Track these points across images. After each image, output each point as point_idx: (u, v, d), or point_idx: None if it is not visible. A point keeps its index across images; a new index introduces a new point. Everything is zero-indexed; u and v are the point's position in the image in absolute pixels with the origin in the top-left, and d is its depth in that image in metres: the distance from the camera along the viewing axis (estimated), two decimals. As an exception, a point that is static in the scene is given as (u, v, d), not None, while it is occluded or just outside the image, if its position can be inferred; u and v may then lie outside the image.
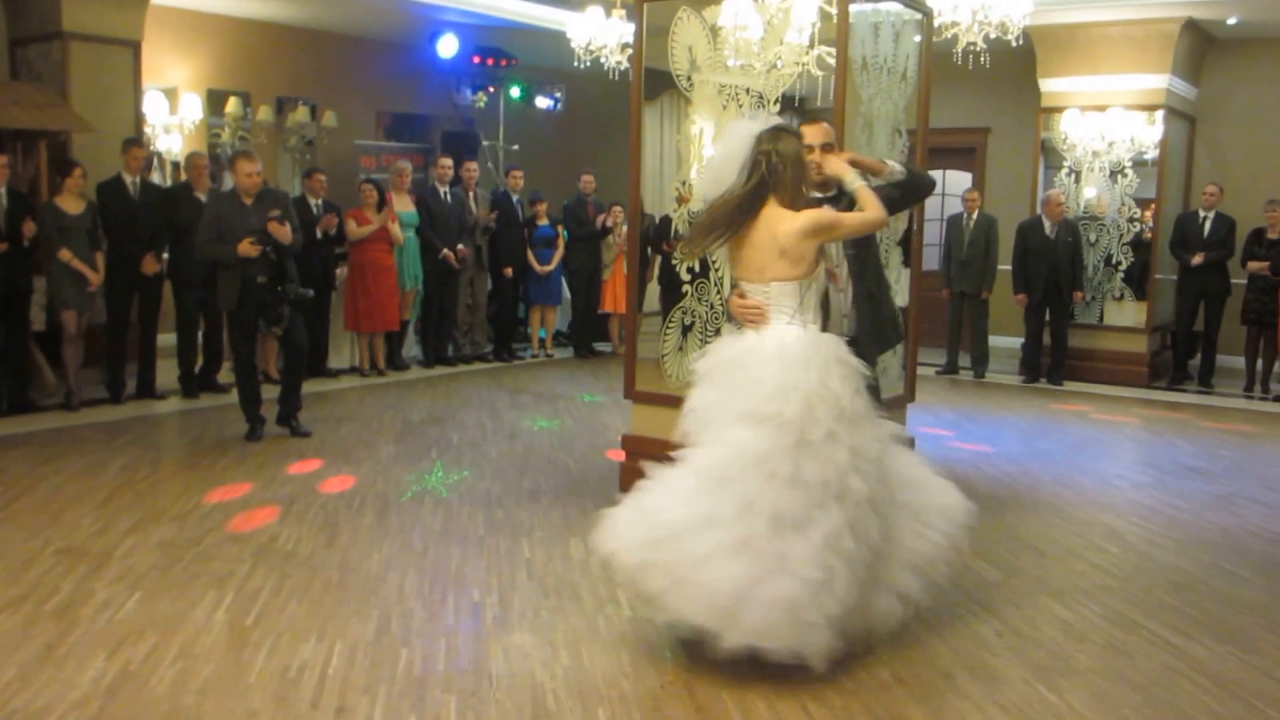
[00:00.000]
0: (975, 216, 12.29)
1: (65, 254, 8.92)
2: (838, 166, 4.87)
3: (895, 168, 5.11)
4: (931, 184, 5.50)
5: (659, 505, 4.37)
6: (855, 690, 4.27)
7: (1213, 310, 11.90)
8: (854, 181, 4.77)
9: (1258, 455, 8.88)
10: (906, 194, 5.24)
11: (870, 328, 5.13)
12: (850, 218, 4.66)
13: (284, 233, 7.94)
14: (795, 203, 4.54)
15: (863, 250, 5.12)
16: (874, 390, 4.80)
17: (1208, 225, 11.79)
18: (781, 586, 4.11)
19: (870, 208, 4.65)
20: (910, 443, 5.23)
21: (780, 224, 4.49)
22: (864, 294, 5.11)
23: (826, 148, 4.95)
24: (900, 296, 7.08)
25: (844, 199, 4.88)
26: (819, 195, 4.92)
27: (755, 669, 4.37)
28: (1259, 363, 11.54)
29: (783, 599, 4.10)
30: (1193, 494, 7.51)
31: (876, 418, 4.53)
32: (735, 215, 4.55)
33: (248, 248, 7.81)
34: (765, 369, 4.39)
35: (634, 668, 4.43)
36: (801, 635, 4.15)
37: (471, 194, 12.08)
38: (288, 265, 8.10)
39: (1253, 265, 11.31)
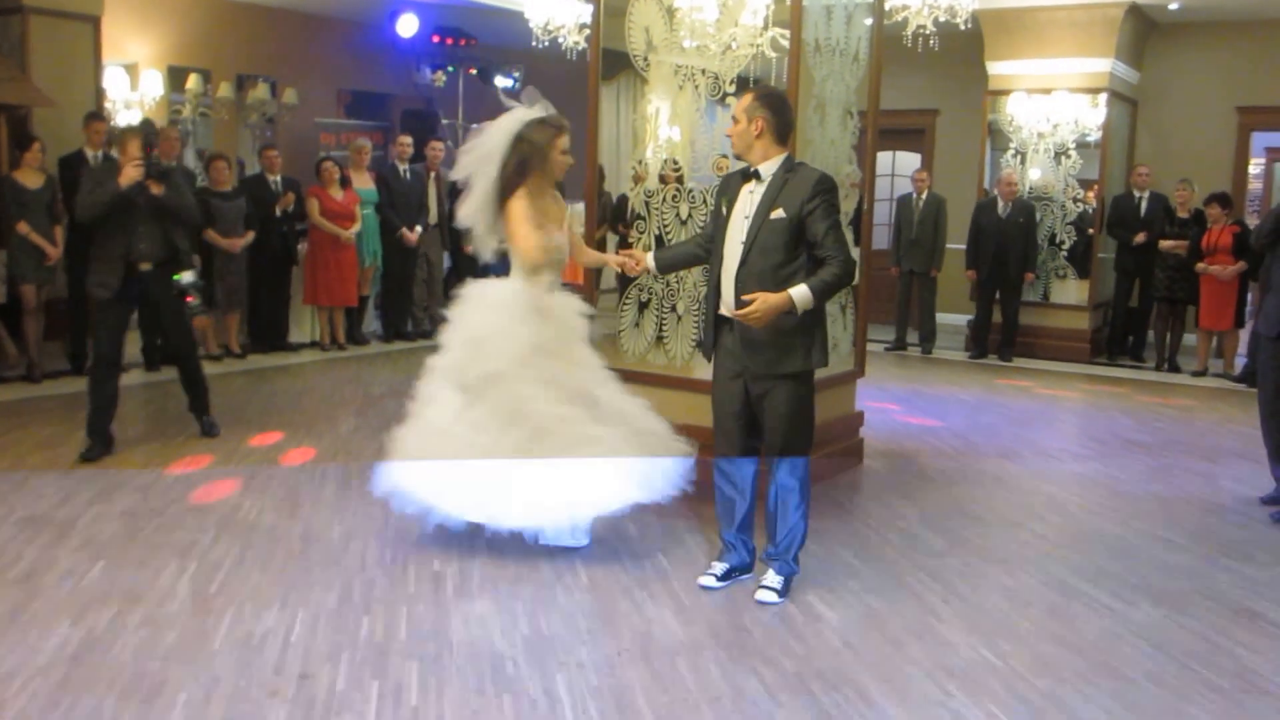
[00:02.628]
0: (925, 196, 12.45)
1: (23, 227, 8.89)
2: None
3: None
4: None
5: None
6: (807, 655, 4.39)
7: (1146, 288, 12.14)
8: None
9: (1193, 428, 9.11)
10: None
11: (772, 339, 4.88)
12: (519, 230, 5.40)
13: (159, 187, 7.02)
14: (513, 186, 5.37)
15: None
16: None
17: (1144, 205, 12.03)
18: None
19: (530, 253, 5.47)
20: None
21: (510, 203, 5.37)
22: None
23: (733, 121, 4.86)
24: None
25: (772, 182, 4.83)
26: (747, 166, 4.90)
27: (711, 636, 4.51)
28: (1170, 338, 11.83)
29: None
30: (1131, 465, 7.70)
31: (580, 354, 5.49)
32: (493, 194, 5.42)
33: (131, 171, 6.81)
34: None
35: (591, 635, 4.53)
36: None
37: (434, 174, 12.08)
38: (180, 249, 7.22)
39: (1165, 244, 11.56)
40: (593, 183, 7.28)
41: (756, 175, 4.88)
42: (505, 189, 5.39)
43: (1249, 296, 11.14)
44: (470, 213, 5.53)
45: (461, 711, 3.85)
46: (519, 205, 5.36)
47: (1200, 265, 11.11)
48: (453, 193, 12.26)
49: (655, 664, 4.27)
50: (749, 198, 4.88)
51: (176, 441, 7.49)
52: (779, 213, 4.77)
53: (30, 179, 8.98)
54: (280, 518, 5.94)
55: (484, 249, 5.69)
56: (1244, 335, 11.30)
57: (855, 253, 7.18)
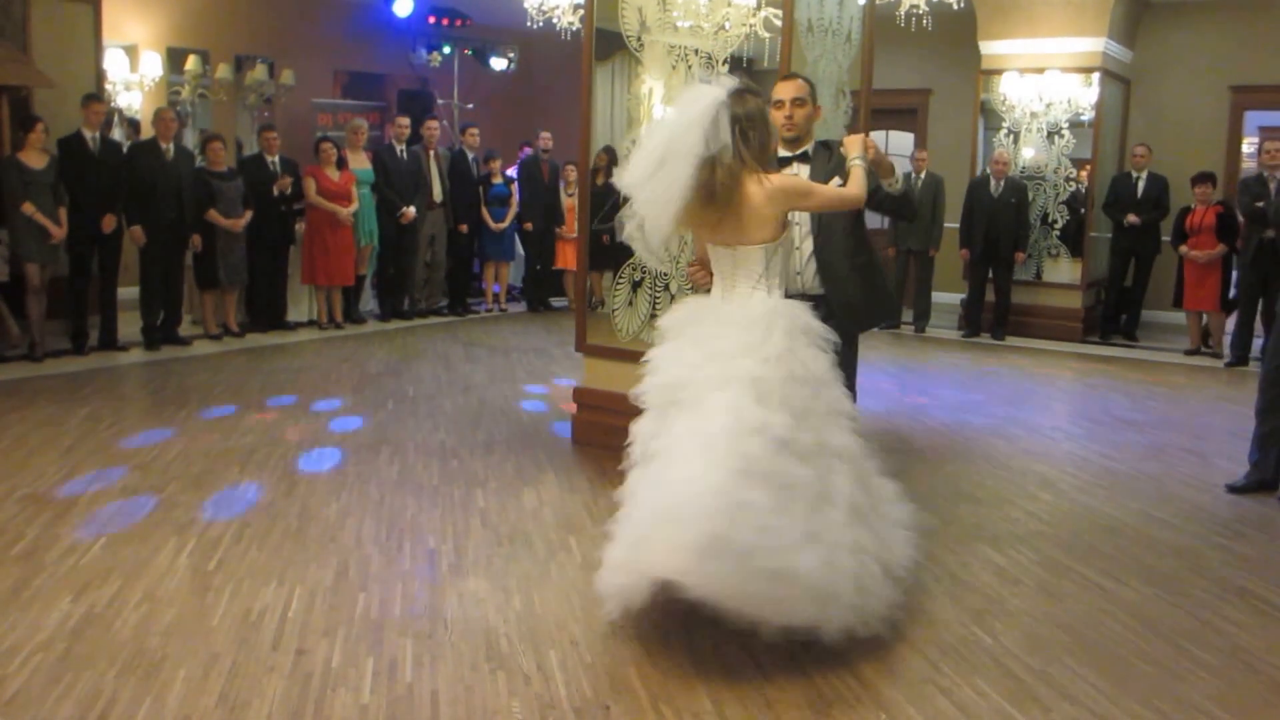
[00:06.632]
0: (923, 176, 12.48)
1: (28, 207, 8.99)
2: (854, 143, 4.68)
3: (899, 178, 4.94)
4: (913, 211, 5.41)
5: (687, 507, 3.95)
6: (798, 631, 4.42)
7: (1142, 268, 12.17)
8: (857, 159, 4.60)
9: (1186, 407, 9.14)
10: (897, 207, 5.06)
11: (865, 298, 5.05)
12: (826, 191, 4.50)
13: None
14: (764, 164, 4.34)
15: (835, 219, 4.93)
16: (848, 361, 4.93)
17: (1141, 185, 12.05)
18: (810, 559, 3.97)
19: (856, 187, 4.49)
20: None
21: (749, 187, 4.26)
22: (861, 264, 5.01)
23: (798, 103, 4.92)
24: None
25: (818, 162, 4.94)
26: (786, 154, 4.96)
27: (703, 612, 4.50)
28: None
29: (814, 569, 3.96)
30: (1123, 444, 7.72)
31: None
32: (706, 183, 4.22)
33: None
34: (726, 331, 4.27)
35: (584, 612, 4.55)
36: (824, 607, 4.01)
37: (431, 153, 12.13)
38: None
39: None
40: (586, 163, 7.28)
41: (803, 157, 4.97)
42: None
43: (1232, 276, 11.14)
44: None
45: (455, 687, 3.89)
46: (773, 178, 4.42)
47: (1182, 249, 11.13)
48: (452, 172, 12.35)
49: (648, 640, 4.29)
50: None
51: (176, 419, 7.52)
52: (836, 181, 4.75)
53: (34, 159, 9.10)
54: (278, 496, 5.98)
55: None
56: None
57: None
